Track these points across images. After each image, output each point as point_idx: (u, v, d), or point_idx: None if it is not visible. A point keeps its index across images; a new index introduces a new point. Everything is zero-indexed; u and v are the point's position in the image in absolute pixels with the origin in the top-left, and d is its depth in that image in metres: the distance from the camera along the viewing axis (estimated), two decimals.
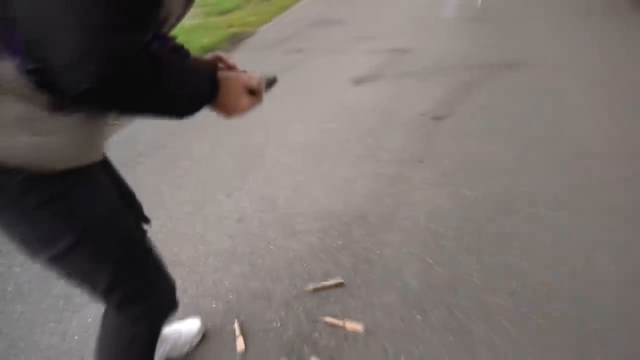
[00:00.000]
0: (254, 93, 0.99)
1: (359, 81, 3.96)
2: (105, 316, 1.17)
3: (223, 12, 6.75)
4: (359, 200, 2.42)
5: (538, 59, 4.34)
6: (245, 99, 0.96)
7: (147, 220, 1.17)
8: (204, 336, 1.70)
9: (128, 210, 1.06)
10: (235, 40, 5.32)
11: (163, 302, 1.18)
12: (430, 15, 5.98)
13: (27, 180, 0.80)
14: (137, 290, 1.08)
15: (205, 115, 1.02)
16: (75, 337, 1.75)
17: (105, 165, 1.07)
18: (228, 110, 0.96)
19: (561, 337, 1.58)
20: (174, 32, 0.95)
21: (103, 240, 0.94)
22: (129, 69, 0.66)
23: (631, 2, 6.77)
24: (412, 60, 4.41)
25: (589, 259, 1.91)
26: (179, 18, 0.90)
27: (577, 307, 1.69)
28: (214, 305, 1.83)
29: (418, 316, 1.71)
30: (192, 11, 5.80)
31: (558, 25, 5.54)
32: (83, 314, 1.84)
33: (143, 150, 3.09)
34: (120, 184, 1.14)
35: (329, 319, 1.73)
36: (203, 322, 1.72)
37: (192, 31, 5.79)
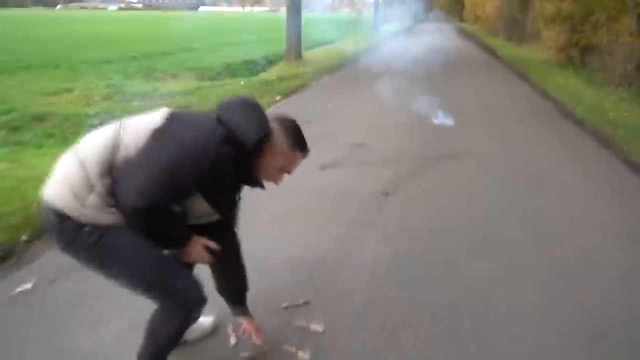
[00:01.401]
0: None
1: (324, 167, 4.80)
2: (155, 309, 1.83)
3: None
4: (321, 249, 3.13)
5: (472, 152, 5.33)
6: (193, 255, 1.80)
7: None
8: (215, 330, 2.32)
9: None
10: None
11: (191, 300, 1.82)
12: (382, 117, 7.07)
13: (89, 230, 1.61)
14: (167, 293, 1.76)
15: None
16: None
17: None
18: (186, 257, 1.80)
19: None
20: None
21: (134, 268, 1.69)
22: (154, 213, 1.57)
23: (557, 110, 8.08)
24: (368, 152, 5.34)
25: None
26: (197, 218, 1.78)
27: None
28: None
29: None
30: None
31: (495, 127, 6.66)
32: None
33: None
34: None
35: (299, 324, 2.39)
36: (216, 320, 2.35)
37: None
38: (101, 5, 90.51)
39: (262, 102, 8.08)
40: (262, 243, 3.26)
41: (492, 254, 3.13)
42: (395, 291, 2.70)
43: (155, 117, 1.66)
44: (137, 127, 1.63)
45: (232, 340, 2.29)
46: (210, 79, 11.77)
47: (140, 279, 1.71)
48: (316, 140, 5.87)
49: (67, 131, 5.73)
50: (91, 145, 1.63)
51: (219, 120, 1.64)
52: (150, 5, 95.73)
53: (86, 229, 1.58)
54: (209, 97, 8.37)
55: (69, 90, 8.77)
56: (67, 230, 1.60)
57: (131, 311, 2.30)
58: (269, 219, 3.61)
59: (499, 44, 22.65)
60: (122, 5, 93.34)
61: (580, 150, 5.77)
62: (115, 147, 1.58)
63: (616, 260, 3.10)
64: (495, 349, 2.26)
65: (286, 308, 2.54)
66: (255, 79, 11.33)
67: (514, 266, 2.99)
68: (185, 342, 2.24)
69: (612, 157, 5.42)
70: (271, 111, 7.63)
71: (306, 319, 2.43)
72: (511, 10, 23.28)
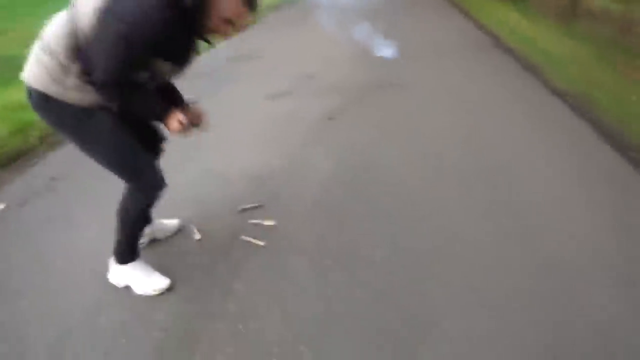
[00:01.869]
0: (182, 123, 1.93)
1: (274, 97, 5.09)
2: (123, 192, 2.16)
3: None
4: (272, 165, 3.50)
5: (413, 81, 5.74)
6: (175, 124, 1.92)
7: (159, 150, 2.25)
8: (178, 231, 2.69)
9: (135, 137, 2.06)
10: None
11: (154, 183, 2.16)
12: (330, 51, 7.33)
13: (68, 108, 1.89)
14: (136, 176, 2.10)
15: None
16: None
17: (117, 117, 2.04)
18: (168, 129, 1.96)
19: None
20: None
21: (111, 152, 2.00)
22: (120, 87, 1.79)
23: (493, 42, 8.54)
24: (316, 82, 5.66)
25: None
26: (165, 76, 1.97)
27: None
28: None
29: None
30: None
31: (435, 59, 7.05)
32: None
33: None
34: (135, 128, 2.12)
35: (253, 221, 2.78)
36: (180, 222, 2.72)
37: None
38: None
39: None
40: (219, 161, 3.61)
41: (425, 161, 3.59)
42: (338, 193, 3.13)
43: None
44: (86, 8, 1.74)
45: (197, 236, 2.66)
46: None
47: (116, 162, 2.04)
48: (266, 73, 6.12)
49: (7, 74, 5.69)
50: (53, 34, 1.81)
51: None
52: None
53: (70, 110, 1.87)
54: None
55: (3, 32, 8.49)
56: (53, 111, 1.91)
57: (102, 219, 2.62)
58: (224, 142, 3.94)
59: None
60: None
61: (509, 76, 6.26)
62: (73, 30, 1.76)
63: (530, 155, 3.62)
64: (419, 230, 2.73)
65: (242, 210, 2.92)
66: None
67: (445, 169, 3.46)
68: (157, 240, 2.60)
69: (536, 82, 5.95)
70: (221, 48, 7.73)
71: (260, 218, 2.83)
72: None
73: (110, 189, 2.28)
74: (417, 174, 3.43)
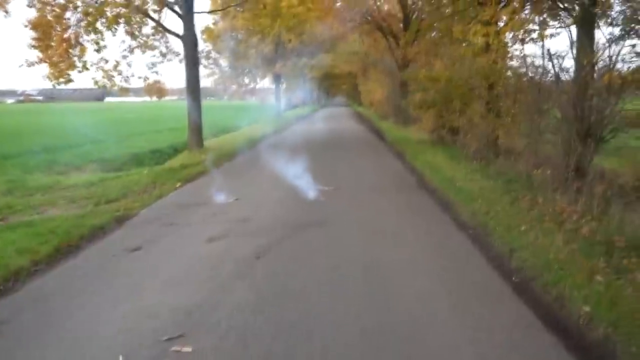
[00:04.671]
0: None
1: (211, 240, 5.73)
2: None
3: (110, 201, 8.33)
4: (199, 298, 4.02)
5: (337, 219, 6.54)
6: None
7: None
8: None
9: None
10: (120, 220, 6.88)
11: None
12: (267, 195, 8.19)
13: None
14: None
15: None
16: None
17: None
18: None
19: None
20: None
21: None
22: None
23: (418, 183, 9.66)
24: (250, 224, 6.37)
25: None
26: None
27: None
28: None
29: None
30: (81, 202, 7.33)
31: (361, 199, 7.97)
32: None
33: None
34: None
35: (174, 348, 3.24)
36: None
37: (82, 217, 7.13)
38: None
39: (164, 188, 8.99)
40: (154, 298, 4.10)
41: (330, 287, 4.18)
42: (251, 319, 3.64)
43: None
44: None
45: None
46: (116, 170, 12.42)
47: None
48: (208, 219, 6.81)
49: None
50: None
51: None
52: (53, 98, 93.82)
53: None
54: (113, 187, 9.07)
55: None
56: None
57: None
58: (164, 281, 4.48)
59: (387, 126, 25.26)
60: (21, 98, 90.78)
61: (426, 213, 7.16)
62: None
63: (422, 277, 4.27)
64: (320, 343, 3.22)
65: (167, 340, 3.39)
66: (158, 167, 12.16)
67: (346, 290, 4.05)
68: None
69: (447, 217, 6.85)
70: (172, 196, 8.50)
71: (180, 345, 3.29)
72: (395, 98, 26.29)
73: None
74: (325, 295, 4.00)
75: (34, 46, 12.63)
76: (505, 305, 3.97)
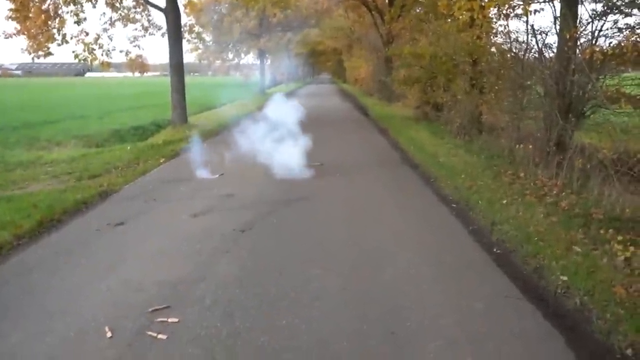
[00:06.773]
0: None
1: (196, 215, 5.72)
2: None
3: (92, 177, 8.24)
4: (185, 272, 4.04)
5: (321, 195, 6.57)
6: None
7: None
8: None
9: None
10: (104, 195, 6.83)
11: None
12: (251, 172, 8.18)
13: None
14: None
15: None
16: None
17: None
18: None
19: None
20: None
21: None
22: None
23: (402, 158, 9.71)
24: (234, 200, 6.38)
25: None
26: None
27: None
28: None
29: None
30: (63, 177, 7.27)
31: (345, 175, 8.01)
32: None
33: None
34: None
35: (160, 319, 3.26)
36: None
37: (65, 192, 7.05)
38: None
39: (148, 164, 8.91)
40: (139, 272, 4.11)
41: (314, 263, 4.22)
42: (235, 292, 3.68)
43: None
44: None
45: (108, 334, 3.10)
46: (97, 146, 12.26)
47: None
48: (193, 194, 6.79)
49: None
50: None
51: None
52: (32, 72, 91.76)
53: None
54: (95, 163, 8.97)
55: None
56: None
57: None
58: (148, 255, 4.48)
59: (372, 103, 25.24)
60: None
61: (410, 188, 7.23)
62: None
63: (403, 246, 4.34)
64: (303, 316, 3.28)
65: (153, 311, 3.41)
66: (142, 144, 12.02)
67: (330, 264, 4.11)
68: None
69: (431, 191, 6.93)
70: (156, 172, 8.44)
71: (166, 316, 3.32)
72: (380, 74, 26.20)
73: None
74: (306, 272, 4.05)
75: (11, 17, 12.24)
76: (487, 276, 4.07)
